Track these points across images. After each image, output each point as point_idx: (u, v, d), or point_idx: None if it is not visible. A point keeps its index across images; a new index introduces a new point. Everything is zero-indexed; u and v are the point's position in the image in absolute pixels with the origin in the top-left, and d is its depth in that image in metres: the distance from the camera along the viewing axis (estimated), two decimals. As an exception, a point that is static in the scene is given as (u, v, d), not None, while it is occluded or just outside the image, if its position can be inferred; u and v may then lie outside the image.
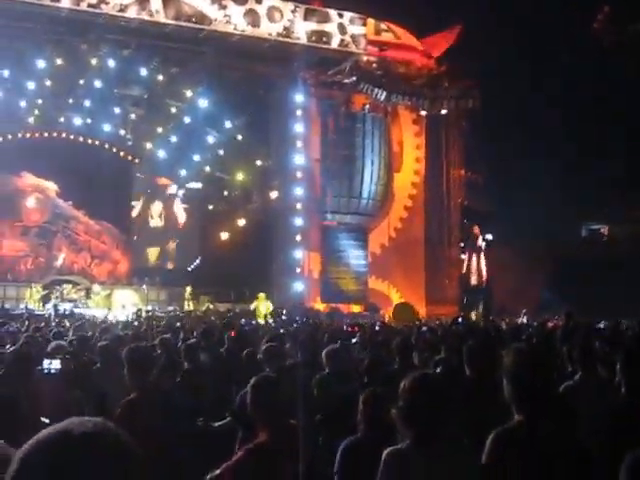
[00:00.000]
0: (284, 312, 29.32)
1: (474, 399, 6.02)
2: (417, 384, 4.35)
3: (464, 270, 38.47)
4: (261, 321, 27.71)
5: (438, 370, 7.11)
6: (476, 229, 38.33)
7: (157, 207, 41.89)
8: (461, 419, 4.91)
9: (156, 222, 42.01)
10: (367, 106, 36.34)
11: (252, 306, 32.28)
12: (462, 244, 38.76)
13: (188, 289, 36.51)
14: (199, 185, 39.31)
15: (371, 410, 5.42)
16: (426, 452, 4.17)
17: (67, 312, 31.28)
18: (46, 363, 6.40)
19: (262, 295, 32.71)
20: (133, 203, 41.26)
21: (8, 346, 10.92)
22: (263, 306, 31.98)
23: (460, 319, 28.05)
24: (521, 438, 4.22)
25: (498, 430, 4.31)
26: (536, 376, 4.35)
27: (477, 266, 38.26)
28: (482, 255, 38.22)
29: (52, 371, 6.42)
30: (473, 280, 38.25)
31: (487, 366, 6.61)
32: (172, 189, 41.29)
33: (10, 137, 36.57)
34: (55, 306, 32.83)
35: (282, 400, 5.34)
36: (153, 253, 41.78)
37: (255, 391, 5.32)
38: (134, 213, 41.63)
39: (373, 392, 5.59)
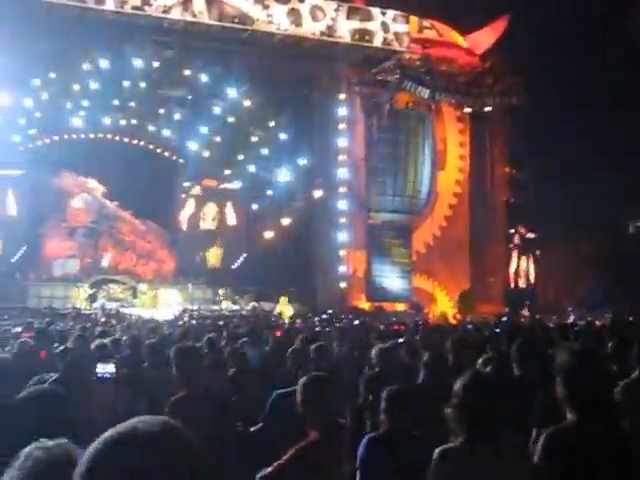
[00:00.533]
0: (328, 312, 29.19)
1: (523, 398, 5.98)
2: (471, 383, 4.35)
3: (511, 268, 38.23)
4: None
5: (488, 369, 7.06)
6: (521, 228, 38.09)
7: (211, 209, 42.05)
8: (510, 418, 4.90)
9: (208, 224, 42.20)
10: (411, 104, 36.22)
11: (276, 310, 32.64)
12: (509, 243, 38.52)
13: (221, 291, 36.71)
14: (243, 184, 39.43)
15: (394, 407, 5.43)
16: (478, 450, 4.16)
17: (113, 311, 31.61)
18: (100, 368, 6.29)
19: (284, 299, 33.40)
20: (185, 204, 41.39)
21: (56, 344, 11.02)
22: (287, 309, 32.42)
23: (505, 317, 27.90)
24: (572, 438, 4.20)
25: (551, 429, 4.28)
26: (589, 376, 4.32)
27: (526, 264, 38.03)
28: (529, 253, 37.97)
29: (106, 375, 6.34)
30: (519, 278, 38.01)
31: (536, 365, 6.57)
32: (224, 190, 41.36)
33: (57, 138, 36.97)
34: (102, 305, 33.19)
35: (332, 399, 5.35)
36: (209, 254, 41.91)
37: (306, 390, 5.32)
38: (186, 214, 41.83)
39: (396, 390, 5.59)
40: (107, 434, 1.74)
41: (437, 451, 4.27)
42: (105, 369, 6.06)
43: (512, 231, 38.42)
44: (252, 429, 7.26)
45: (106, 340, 9.27)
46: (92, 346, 8.47)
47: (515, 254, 38.31)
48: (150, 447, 1.69)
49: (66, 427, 2.87)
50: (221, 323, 21.61)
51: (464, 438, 4.22)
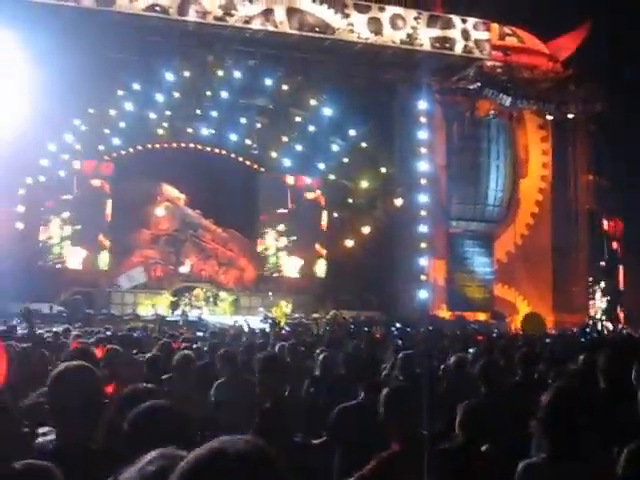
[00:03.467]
0: (397, 324, 28.81)
1: (609, 412, 5.88)
2: (559, 396, 4.30)
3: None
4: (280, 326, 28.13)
5: (572, 382, 6.93)
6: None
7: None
8: (597, 432, 4.82)
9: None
10: (492, 112, 35.93)
11: (273, 314, 33.13)
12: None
13: (283, 303, 36.78)
14: (323, 193, 39.52)
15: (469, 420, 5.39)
16: (563, 465, 4.12)
17: (195, 318, 31.98)
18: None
19: (283, 303, 35.48)
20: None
21: (135, 351, 11.15)
22: (282, 313, 33.99)
23: (588, 328, 27.52)
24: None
25: (632, 445, 4.21)
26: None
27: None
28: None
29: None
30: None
31: (623, 378, 6.44)
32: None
33: (140, 148, 37.56)
34: (184, 312, 33.58)
35: (415, 409, 5.30)
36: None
37: (389, 400, 5.30)
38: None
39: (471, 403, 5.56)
40: (196, 453, 1.78)
41: (521, 466, 4.23)
42: None
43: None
44: (315, 442, 7.02)
45: (189, 352, 9.14)
46: (174, 361, 8.39)
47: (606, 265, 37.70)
48: (237, 467, 1.73)
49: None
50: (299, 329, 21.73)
51: (549, 452, 4.17)
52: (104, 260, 37.89)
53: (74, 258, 37.18)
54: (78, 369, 4.06)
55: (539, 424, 4.28)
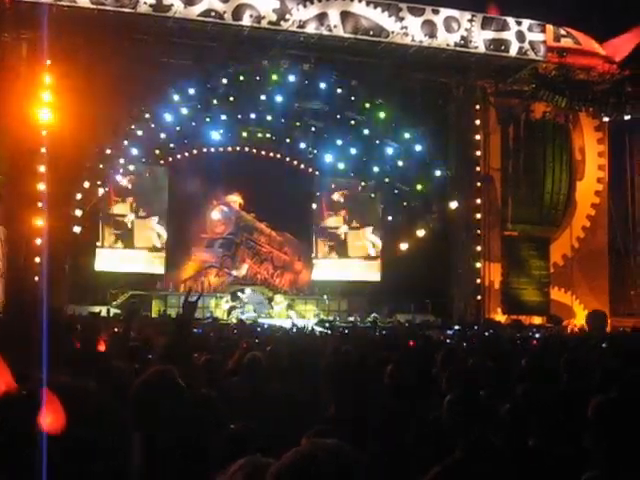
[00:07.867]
0: (456, 327, 28.71)
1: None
2: (610, 401, 4.13)
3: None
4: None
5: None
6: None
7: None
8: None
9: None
10: (547, 114, 35.65)
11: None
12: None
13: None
14: (378, 196, 39.50)
15: None
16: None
17: (250, 321, 32.11)
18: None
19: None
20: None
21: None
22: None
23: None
24: None
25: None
26: None
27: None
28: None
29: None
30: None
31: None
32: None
33: (195, 152, 37.79)
34: (238, 315, 33.84)
35: (479, 414, 5.15)
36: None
37: (452, 405, 5.24)
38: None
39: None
40: (288, 456, 1.84)
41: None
42: None
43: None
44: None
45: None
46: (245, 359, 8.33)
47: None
48: (329, 470, 1.79)
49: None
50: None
51: (606, 467, 3.87)
52: (161, 263, 38.17)
53: (131, 262, 37.49)
54: None
55: (589, 434, 4.02)
